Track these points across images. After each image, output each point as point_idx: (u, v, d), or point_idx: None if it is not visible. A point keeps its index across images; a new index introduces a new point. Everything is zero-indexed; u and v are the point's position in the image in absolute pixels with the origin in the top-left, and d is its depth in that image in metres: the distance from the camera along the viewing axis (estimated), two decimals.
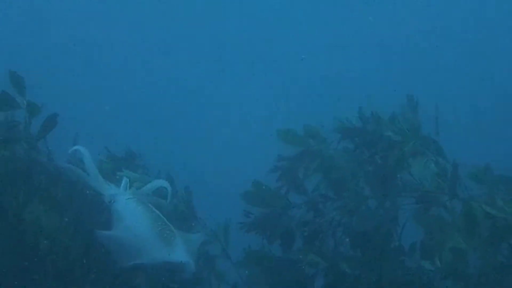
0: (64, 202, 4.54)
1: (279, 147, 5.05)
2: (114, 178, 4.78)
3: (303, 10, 16.55)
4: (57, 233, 4.41)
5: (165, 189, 4.69)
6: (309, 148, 5.04)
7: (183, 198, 4.96)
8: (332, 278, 4.62)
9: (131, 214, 4.42)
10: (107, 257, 4.36)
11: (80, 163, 4.64)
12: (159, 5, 16.16)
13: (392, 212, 4.77)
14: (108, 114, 13.23)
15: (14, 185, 4.49)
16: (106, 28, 15.83)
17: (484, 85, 14.61)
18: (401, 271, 4.54)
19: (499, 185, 4.58)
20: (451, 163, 4.68)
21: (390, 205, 4.80)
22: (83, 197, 4.65)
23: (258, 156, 5.98)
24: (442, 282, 4.43)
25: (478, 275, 4.35)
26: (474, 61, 14.97)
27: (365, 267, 4.56)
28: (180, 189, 4.98)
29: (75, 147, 4.65)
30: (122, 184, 4.66)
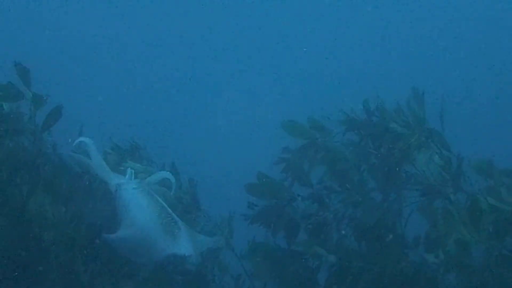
0: (68, 193, 4.54)
1: (284, 139, 5.04)
2: (119, 170, 4.79)
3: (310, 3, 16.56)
4: (61, 224, 4.42)
5: (169, 181, 4.69)
6: (314, 140, 5.03)
7: (188, 190, 4.96)
8: (335, 270, 4.61)
9: (137, 204, 4.41)
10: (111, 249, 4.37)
11: (86, 155, 4.64)
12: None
13: (396, 205, 4.76)
14: (102, 104, 13.24)
15: (19, 176, 4.50)
16: (106, 25, 15.85)
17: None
18: (405, 263, 4.54)
19: (503, 178, 4.58)
20: (456, 156, 4.67)
21: (394, 198, 4.79)
22: (88, 188, 4.66)
23: (263, 148, 5.98)
24: (446, 274, 4.43)
25: (482, 268, 4.34)
26: (480, 57, 14.97)
27: (369, 260, 4.55)
28: (184, 181, 4.98)
29: (81, 138, 4.65)
30: (127, 175, 4.65)
